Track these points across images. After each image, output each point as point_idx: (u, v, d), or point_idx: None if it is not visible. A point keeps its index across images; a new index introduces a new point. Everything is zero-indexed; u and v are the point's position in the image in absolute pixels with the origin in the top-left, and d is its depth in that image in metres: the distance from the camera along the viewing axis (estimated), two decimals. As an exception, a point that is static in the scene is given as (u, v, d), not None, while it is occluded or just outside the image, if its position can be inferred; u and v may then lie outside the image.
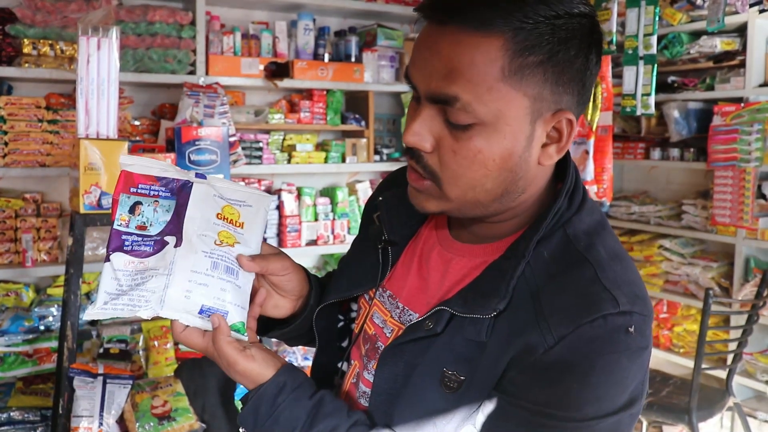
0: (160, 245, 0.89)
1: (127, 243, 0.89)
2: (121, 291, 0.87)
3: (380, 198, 1.02)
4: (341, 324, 1.09)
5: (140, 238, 0.89)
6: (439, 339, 0.85)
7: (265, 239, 1.01)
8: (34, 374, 2.83)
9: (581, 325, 0.76)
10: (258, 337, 1.00)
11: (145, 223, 0.90)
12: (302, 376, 0.92)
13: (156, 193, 0.91)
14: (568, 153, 0.92)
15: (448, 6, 0.77)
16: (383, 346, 0.94)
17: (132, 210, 0.90)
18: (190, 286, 0.88)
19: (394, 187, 1.03)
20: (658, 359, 3.98)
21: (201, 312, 0.89)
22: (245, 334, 0.92)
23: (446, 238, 0.96)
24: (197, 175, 0.94)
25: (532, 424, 0.79)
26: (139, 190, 0.91)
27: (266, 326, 1.08)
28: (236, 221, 0.93)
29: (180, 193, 0.92)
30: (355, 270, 1.04)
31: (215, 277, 0.89)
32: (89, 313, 0.87)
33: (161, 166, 0.92)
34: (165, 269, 0.87)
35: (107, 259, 0.88)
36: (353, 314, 1.09)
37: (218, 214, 0.92)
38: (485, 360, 0.81)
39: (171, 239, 0.90)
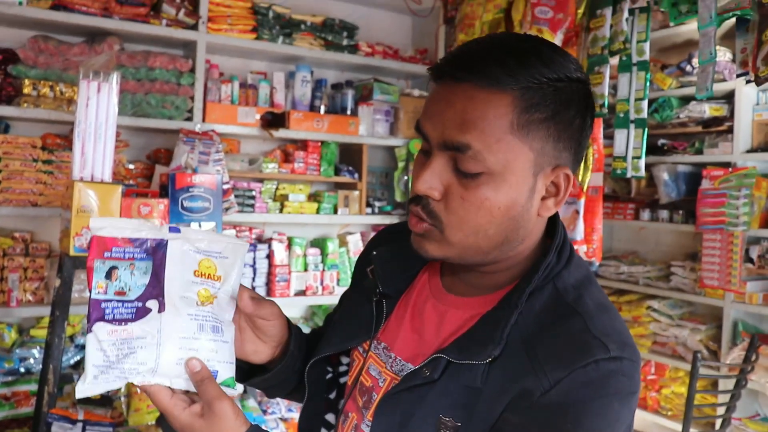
0: (142, 312, 0.87)
1: (107, 311, 0.86)
2: (109, 363, 0.85)
3: (374, 252, 1.04)
4: (329, 376, 1.09)
5: (120, 304, 0.87)
6: (435, 386, 0.87)
7: (253, 288, 1.01)
8: (10, 418, 2.77)
9: (575, 370, 0.80)
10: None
11: (123, 288, 0.87)
12: None
13: (131, 255, 0.89)
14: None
15: (464, 65, 0.85)
16: (377, 396, 0.95)
17: (108, 275, 0.88)
18: (181, 354, 0.87)
19: (387, 243, 1.07)
20: (646, 422, 3.94)
21: None
22: (235, 387, 0.92)
23: (439, 290, 0.99)
24: (171, 229, 0.92)
25: None
26: (113, 254, 0.88)
27: (245, 374, 1.09)
28: (213, 275, 0.92)
29: (155, 253, 0.89)
30: (349, 323, 1.05)
31: (203, 339, 0.89)
32: (80, 390, 0.84)
33: (133, 225, 0.90)
34: (153, 338, 0.86)
35: (89, 330, 0.85)
36: (342, 367, 1.10)
37: (195, 271, 0.91)
38: (481, 406, 0.84)
39: (153, 304, 0.87)
